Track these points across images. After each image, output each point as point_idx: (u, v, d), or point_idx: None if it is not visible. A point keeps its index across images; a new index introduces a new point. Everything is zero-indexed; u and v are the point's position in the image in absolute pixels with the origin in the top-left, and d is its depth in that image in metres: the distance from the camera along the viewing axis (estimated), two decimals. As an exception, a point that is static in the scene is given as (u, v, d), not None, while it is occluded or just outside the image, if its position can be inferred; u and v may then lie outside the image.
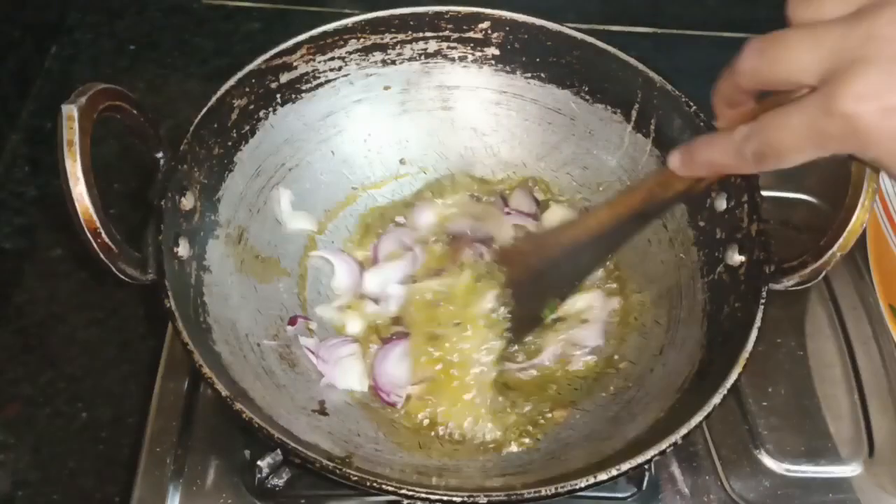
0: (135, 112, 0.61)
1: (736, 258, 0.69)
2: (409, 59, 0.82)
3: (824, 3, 0.46)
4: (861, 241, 0.82)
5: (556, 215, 0.82)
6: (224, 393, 0.57)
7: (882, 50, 0.42)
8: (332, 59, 0.79)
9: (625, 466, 0.56)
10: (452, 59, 0.82)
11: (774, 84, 0.49)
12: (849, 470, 0.73)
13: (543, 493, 0.55)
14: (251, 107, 0.75)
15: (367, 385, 0.72)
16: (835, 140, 0.45)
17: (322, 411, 0.67)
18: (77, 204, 0.54)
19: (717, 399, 0.58)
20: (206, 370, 0.57)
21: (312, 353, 0.72)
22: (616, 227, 0.66)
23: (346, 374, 0.71)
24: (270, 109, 0.77)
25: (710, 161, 0.54)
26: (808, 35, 0.45)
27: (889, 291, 0.80)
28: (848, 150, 0.45)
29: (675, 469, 0.71)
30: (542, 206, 0.83)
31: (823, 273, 0.63)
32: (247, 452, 0.69)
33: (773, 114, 0.48)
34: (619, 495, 0.70)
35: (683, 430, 0.57)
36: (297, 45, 0.76)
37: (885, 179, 0.80)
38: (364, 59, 0.80)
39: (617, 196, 0.72)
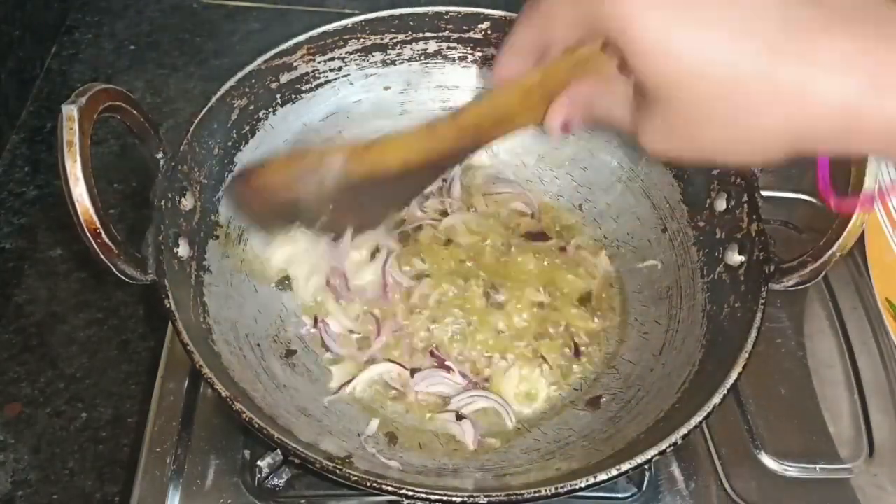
0: (135, 112, 0.61)
1: (736, 258, 0.69)
2: (409, 60, 0.82)
3: None
4: (860, 241, 0.82)
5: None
6: (224, 393, 0.57)
7: None
8: (332, 59, 0.79)
9: (625, 466, 0.56)
10: (452, 60, 0.83)
11: None
12: (849, 470, 0.73)
13: (543, 492, 0.55)
14: (251, 107, 0.75)
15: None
16: (596, 20, 0.41)
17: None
18: (77, 204, 0.54)
19: (717, 399, 0.58)
20: (206, 370, 0.57)
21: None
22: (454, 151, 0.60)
23: None
24: (270, 110, 0.77)
25: (506, 60, 0.50)
26: None
27: (886, 286, 0.80)
28: (605, 33, 0.41)
29: (675, 469, 0.71)
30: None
31: (823, 273, 0.63)
32: (247, 452, 0.69)
33: None
34: (619, 495, 0.69)
35: (683, 430, 0.57)
36: (297, 46, 0.76)
37: (884, 177, 0.80)
38: (364, 60, 0.80)
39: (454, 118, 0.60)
